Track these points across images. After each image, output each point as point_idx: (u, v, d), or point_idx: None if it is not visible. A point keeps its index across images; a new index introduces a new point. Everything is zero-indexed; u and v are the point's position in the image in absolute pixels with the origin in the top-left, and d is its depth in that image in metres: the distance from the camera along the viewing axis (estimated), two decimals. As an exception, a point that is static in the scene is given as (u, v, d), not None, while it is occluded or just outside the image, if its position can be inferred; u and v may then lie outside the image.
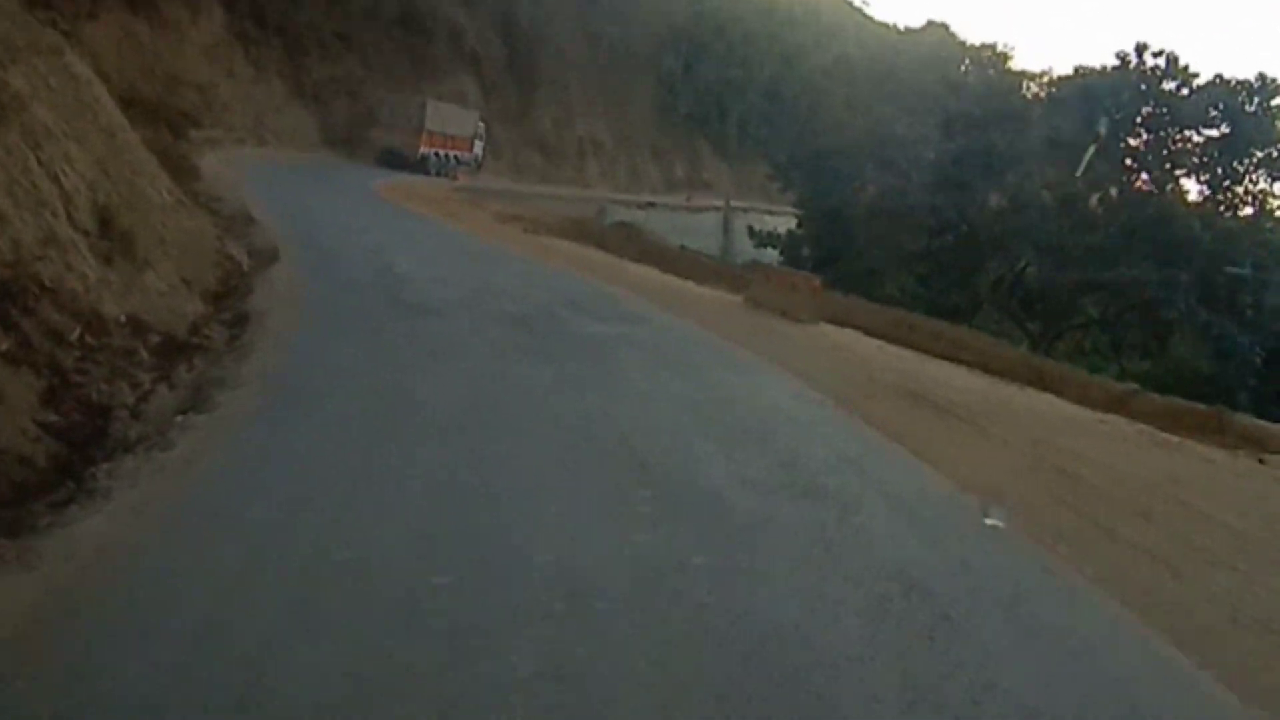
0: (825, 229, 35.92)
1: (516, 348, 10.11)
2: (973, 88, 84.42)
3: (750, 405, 9.07)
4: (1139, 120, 28.96)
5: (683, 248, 26.87)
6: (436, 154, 38.05)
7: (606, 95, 58.17)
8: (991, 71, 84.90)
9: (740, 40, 71.76)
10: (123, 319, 9.67)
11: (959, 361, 14.22)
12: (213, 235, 14.63)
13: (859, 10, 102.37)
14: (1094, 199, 29.60)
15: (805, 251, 36.26)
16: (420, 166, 36.27)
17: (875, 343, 13.94)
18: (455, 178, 38.02)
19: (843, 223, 34.86)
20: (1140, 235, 26.61)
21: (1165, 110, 28.02)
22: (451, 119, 39.17)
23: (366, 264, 14.23)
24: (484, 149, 42.79)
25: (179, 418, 7.41)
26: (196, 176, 20.89)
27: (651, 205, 44.27)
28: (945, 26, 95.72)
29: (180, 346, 9.69)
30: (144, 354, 9.25)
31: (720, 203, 56.82)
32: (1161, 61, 27.64)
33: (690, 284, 18.23)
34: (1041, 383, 14.14)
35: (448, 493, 5.94)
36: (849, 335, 14.17)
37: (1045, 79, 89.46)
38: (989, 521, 6.67)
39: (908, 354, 13.33)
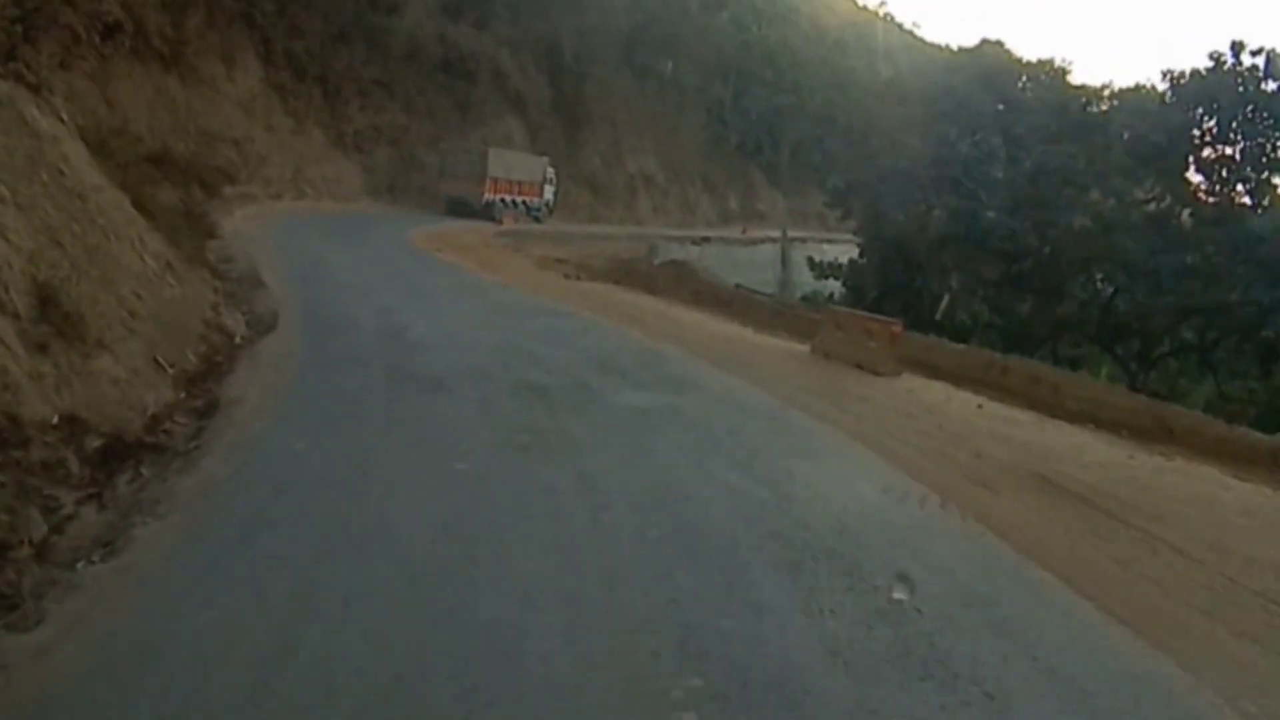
0: (888, 256, 33.51)
1: (530, 434, 8.03)
2: (1031, 103, 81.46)
3: (829, 509, 6.82)
4: (1235, 125, 26.10)
5: (738, 286, 24.68)
6: (503, 200, 38.08)
7: (655, 129, 56.53)
8: (1050, 87, 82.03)
9: (789, 66, 69.76)
10: (54, 420, 7.86)
11: (1066, 414, 11.79)
12: (207, 304, 12.90)
13: (910, 33, 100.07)
14: (1186, 214, 26.80)
15: (868, 280, 33.99)
16: (486, 213, 36.34)
17: (972, 399, 11.53)
18: (501, 222, 36.43)
19: (907, 249, 32.47)
20: (1243, 253, 23.80)
21: (1266, 113, 25.14)
22: (517, 165, 39.32)
23: (375, 328, 12.35)
24: (554, 193, 42.58)
25: (81, 565, 5.60)
26: (212, 235, 19.43)
27: (706, 240, 42.23)
28: (1000, 44, 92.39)
29: (128, 449, 7.82)
30: (74, 465, 7.40)
31: (777, 233, 54.49)
32: (1260, 61, 24.80)
33: (749, 332, 16.04)
34: (1170, 437, 11.63)
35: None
36: (938, 391, 11.82)
37: (1106, 92, 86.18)
38: None
39: (1014, 414, 10.92)
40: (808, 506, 6.83)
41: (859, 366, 12.39)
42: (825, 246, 52.52)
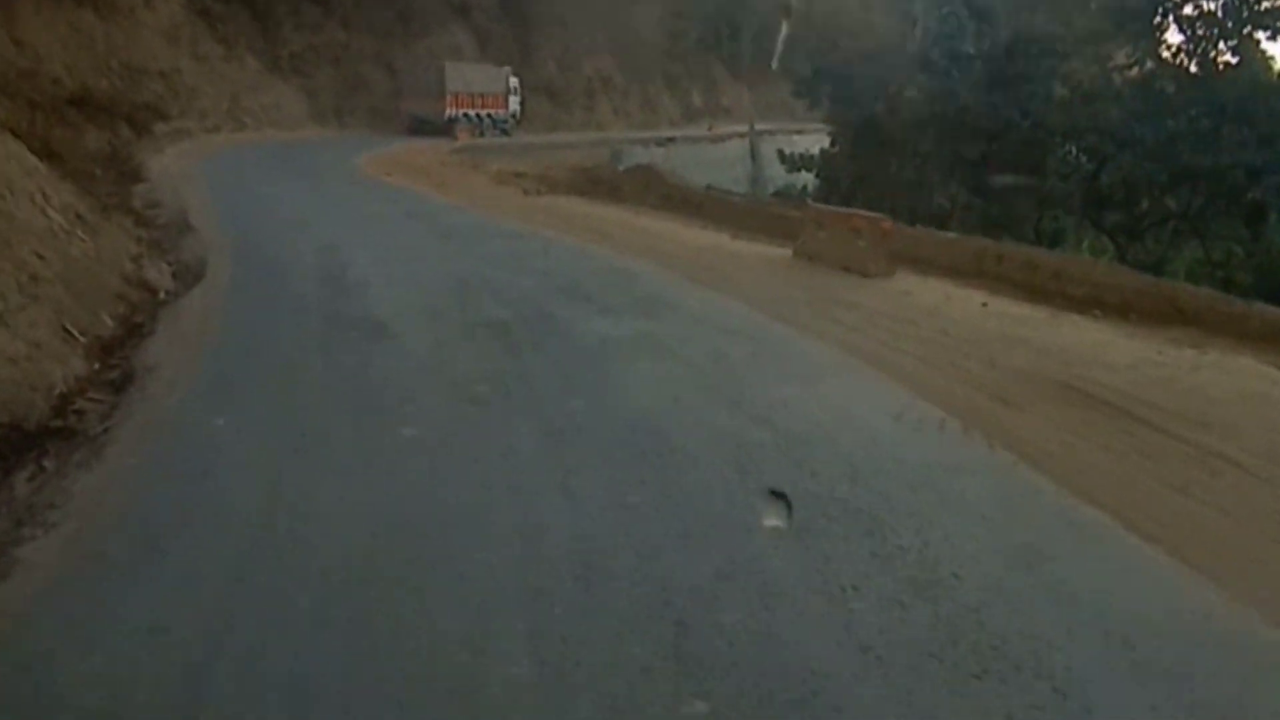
0: (861, 144, 32.15)
1: (488, 382, 7.01)
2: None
3: (836, 448, 5.86)
4: (1214, -22, 24.66)
5: (709, 188, 23.42)
6: (465, 115, 37.36)
7: (611, 28, 53.98)
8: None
9: (747, -48, 66.84)
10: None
11: (1071, 302, 10.85)
12: (127, 257, 11.64)
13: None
14: (1168, 77, 25.54)
15: (840, 170, 32.75)
16: (449, 130, 35.67)
17: (974, 297, 10.51)
18: (456, 138, 34.72)
19: (880, 134, 31.20)
20: (1230, 114, 22.64)
21: (1247, -39, 23.72)
22: (477, 78, 38.48)
23: (314, 268, 11.17)
24: (520, 103, 41.67)
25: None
26: (138, 179, 17.98)
27: (671, 140, 40.59)
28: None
29: (30, 439, 6.77)
30: (-39, 466, 6.38)
31: (744, 128, 52.70)
32: (1241, -99, 23.23)
33: (725, 238, 14.90)
34: (1182, 318, 10.73)
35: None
36: (935, 290, 10.79)
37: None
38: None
39: (1022, 310, 9.93)
40: (811, 447, 5.87)
41: (846, 269, 11.34)
42: (795, 138, 50.80)
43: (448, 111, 36.26)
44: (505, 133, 39.53)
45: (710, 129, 52.24)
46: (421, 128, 35.27)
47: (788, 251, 12.97)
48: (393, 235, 13.39)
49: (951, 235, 15.56)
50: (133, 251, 12.09)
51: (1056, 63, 26.35)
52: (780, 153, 37.94)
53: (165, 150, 23.14)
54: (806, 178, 36.76)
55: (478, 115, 38.33)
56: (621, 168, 31.84)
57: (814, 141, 50.71)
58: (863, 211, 12.26)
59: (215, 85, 31.24)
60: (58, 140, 22.15)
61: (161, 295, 10.54)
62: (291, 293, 10.00)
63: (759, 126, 51.39)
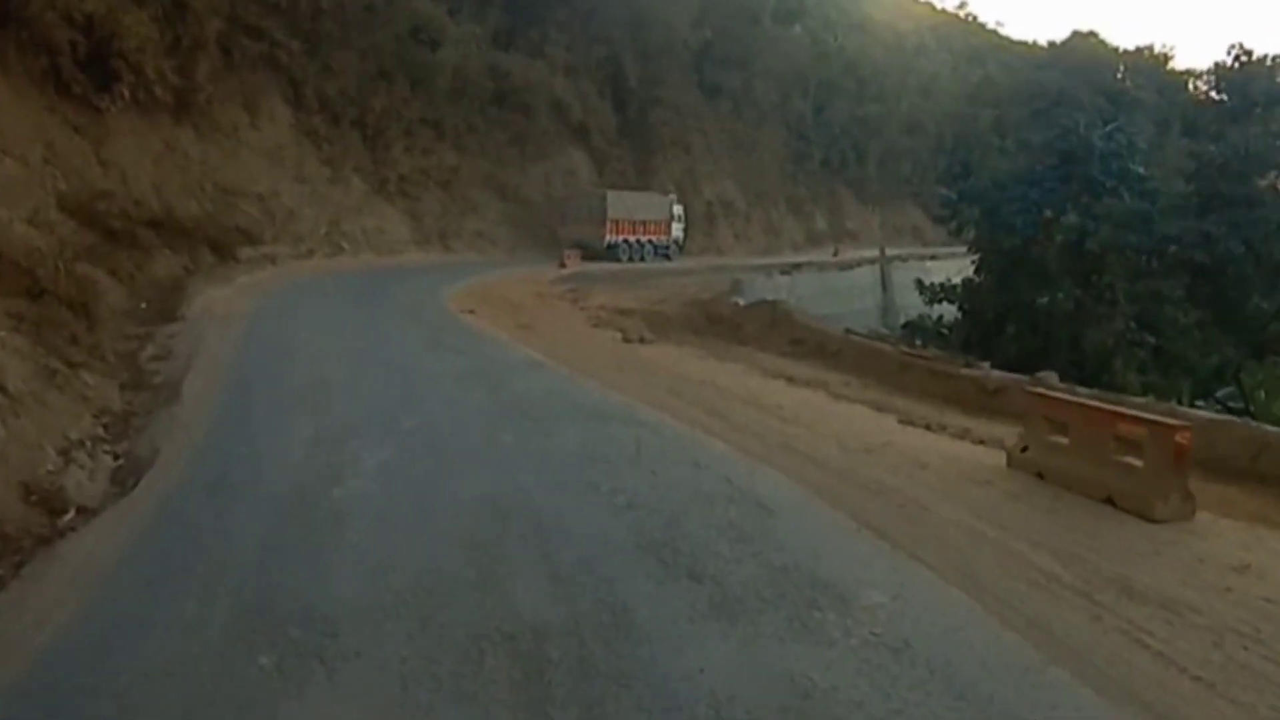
0: (1009, 272, 27.68)
1: None
2: (1134, 93, 73.44)
3: None
4: None
5: (849, 332, 19.23)
6: (626, 241, 37.70)
7: (733, 150, 51.32)
8: (1152, 74, 74.33)
9: (871, 75, 63.89)
10: None
11: None
12: (52, 449, 8.13)
13: (994, 32, 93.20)
14: None
15: (985, 301, 28.26)
16: (610, 255, 36.16)
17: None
18: (563, 265, 31.67)
19: (1032, 262, 26.81)
20: None
21: None
22: (639, 205, 38.74)
23: (292, 480, 7.39)
24: (684, 230, 41.80)
25: None
26: (172, 318, 14.99)
27: (796, 268, 36.70)
28: (1094, 34, 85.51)
29: None
30: None
31: (872, 253, 48.64)
32: None
33: (889, 419, 10.62)
34: None
35: None
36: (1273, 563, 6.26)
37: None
38: None
39: None
40: None
41: (1110, 501, 6.95)
42: (929, 264, 46.44)
43: (608, 238, 36.42)
44: (667, 258, 39.45)
45: (836, 254, 48.26)
46: (582, 252, 35.16)
47: (992, 454, 8.59)
48: (434, 413, 9.61)
49: (1207, 415, 10.83)
50: (74, 436, 8.66)
51: (1250, 182, 21.58)
52: (919, 282, 33.56)
53: (235, 280, 20.47)
54: (946, 309, 32.32)
55: (639, 241, 38.40)
56: (743, 301, 28.07)
57: (949, 269, 46.14)
58: (1135, 408, 7.69)
59: (316, 208, 29.15)
60: (119, 267, 19.89)
61: (66, 518, 6.92)
62: (233, 533, 6.20)
63: (889, 251, 47.23)
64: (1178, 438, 6.65)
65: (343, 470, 7.52)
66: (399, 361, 12.40)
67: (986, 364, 15.15)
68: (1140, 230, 20.49)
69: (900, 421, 10.38)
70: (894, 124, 65.89)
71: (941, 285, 33.29)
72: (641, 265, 36.10)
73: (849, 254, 48.51)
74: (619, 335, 16.31)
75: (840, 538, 6.38)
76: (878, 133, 63.96)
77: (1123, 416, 7.19)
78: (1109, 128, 26.94)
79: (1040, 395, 8.18)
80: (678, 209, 40.96)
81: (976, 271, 30.81)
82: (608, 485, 7.27)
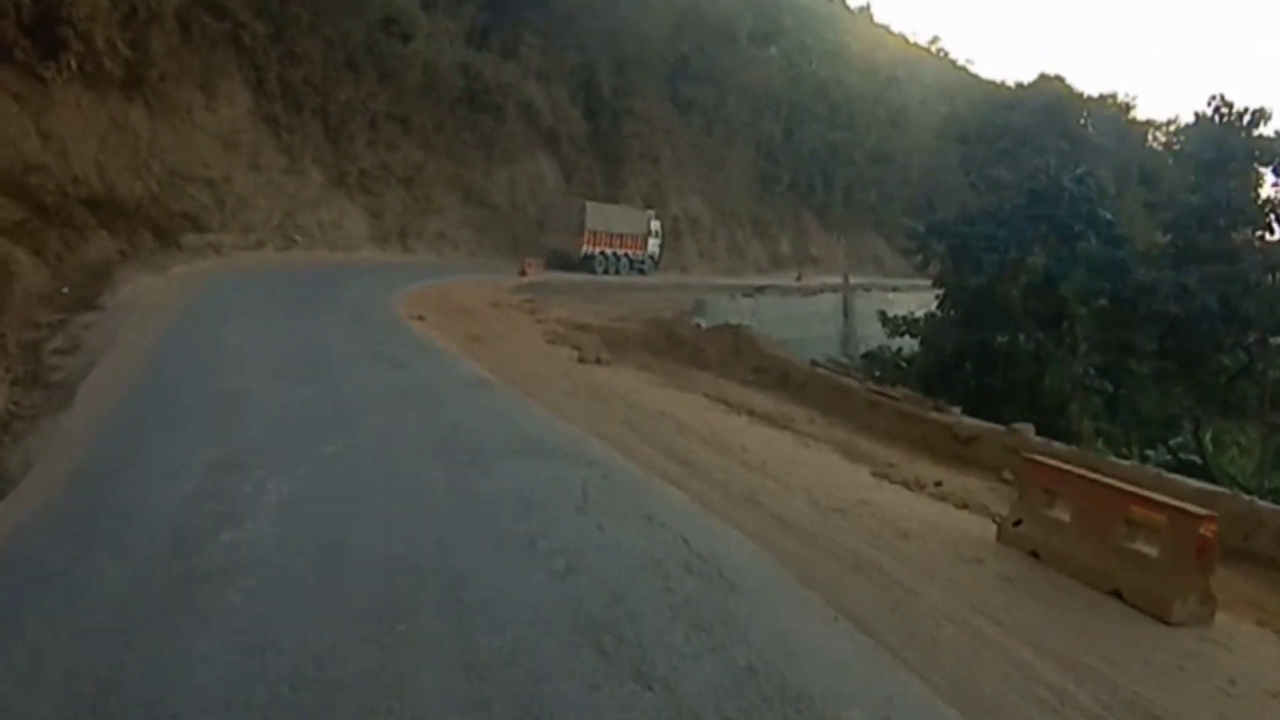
0: (974, 310, 27.09)
1: None
2: (1094, 139, 73.95)
3: None
4: None
5: (814, 364, 18.37)
6: (603, 253, 37.25)
7: (702, 167, 50.49)
8: (1114, 121, 75.07)
9: (843, 102, 63.57)
10: None
11: None
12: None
13: (964, 69, 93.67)
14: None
15: (946, 336, 27.69)
16: (586, 266, 35.81)
17: None
18: (523, 273, 30.52)
19: (997, 300, 26.29)
20: None
21: None
22: (617, 218, 38.43)
23: (182, 514, 6.22)
24: (660, 246, 41.43)
25: None
26: (91, 306, 13.65)
27: (760, 290, 35.91)
28: (1060, 79, 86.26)
29: None
30: None
31: (835, 280, 48.14)
32: None
33: (862, 471, 9.66)
34: None
35: None
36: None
37: (1172, 128, 78.68)
38: None
39: None
40: None
41: (1116, 593, 6.04)
42: (891, 295, 45.95)
43: (585, 248, 36.02)
44: (642, 272, 39.21)
45: (800, 279, 47.59)
46: (558, 261, 34.91)
47: (978, 522, 7.66)
48: (359, 438, 8.44)
49: (1193, 483, 10.02)
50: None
51: (1224, 235, 21.16)
52: (883, 314, 32.95)
53: (172, 268, 19.09)
54: (906, 342, 31.77)
55: (615, 255, 37.92)
56: (704, 323, 27.16)
57: (910, 301, 45.72)
58: (1148, 489, 6.75)
59: (270, 198, 27.70)
60: (46, 247, 18.43)
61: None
62: (84, 588, 5.03)
63: (853, 279, 46.68)
64: (1202, 529, 5.74)
65: (238, 507, 6.36)
66: (332, 373, 11.19)
67: (957, 409, 14.32)
68: (1113, 278, 19.88)
69: (874, 474, 9.43)
70: (862, 152, 65.64)
71: (904, 318, 32.69)
72: (603, 279, 35.04)
73: (812, 280, 47.89)
74: (575, 353, 15.23)
75: (815, 628, 5.37)
76: (846, 160, 63.62)
77: (1137, 498, 6.27)
78: (1079, 171, 26.50)
79: (1037, 463, 7.25)
80: (655, 224, 40.71)
81: (939, 306, 30.24)
82: (546, 543, 6.20)
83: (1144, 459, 20.09)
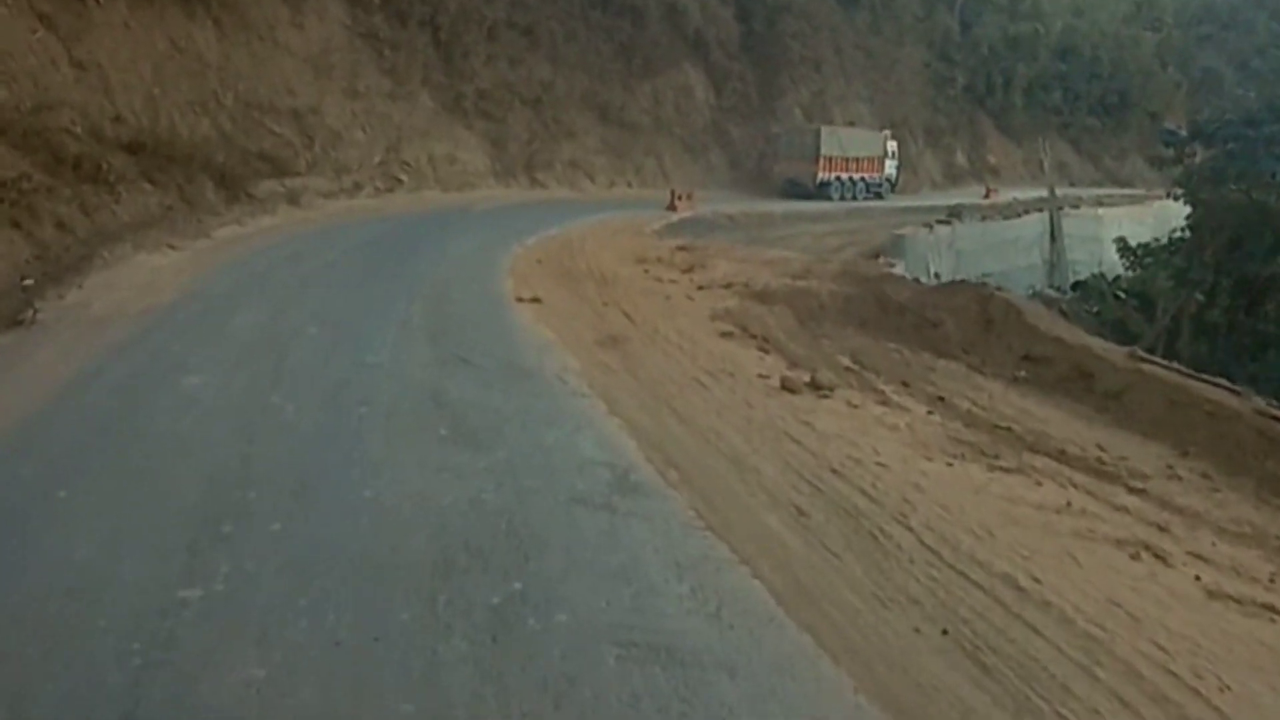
0: (1248, 233, 19.62)
1: None
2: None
3: None
4: None
5: (1134, 355, 11.50)
6: (838, 178, 34.19)
7: (869, 71, 42.33)
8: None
9: (1026, -13, 53.32)
10: None
11: None
12: None
13: (1158, -55, 79.09)
14: None
15: (1197, 265, 20.62)
16: (822, 193, 33.00)
17: None
18: (672, 207, 24.27)
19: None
20: None
21: None
22: (852, 142, 35.20)
23: None
24: (898, 167, 38.21)
25: None
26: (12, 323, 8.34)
27: (955, 215, 28.44)
28: (1270, -52, 71.48)
29: None
30: None
31: (1027, 195, 39.77)
32: None
33: None
34: None
35: None
36: None
37: None
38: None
39: None
40: None
41: None
42: (1100, 212, 37.33)
43: (820, 175, 33.29)
44: (879, 196, 35.71)
45: (988, 196, 39.41)
46: (792, 190, 32.72)
47: None
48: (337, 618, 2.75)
49: None
50: None
51: None
52: (1121, 243, 25.20)
53: (217, 232, 13.86)
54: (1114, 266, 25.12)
55: (851, 179, 34.77)
56: (907, 267, 20.34)
57: (1126, 215, 37.66)
58: None
59: (370, 130, 22.31)
60: (41, 208, 13.54)
61: None
62: None
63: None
64: None
65: None
66: (338, 483, 5.33)
67: None
68: None
69: None
70: (1046, 46, 55.15)
71: (1149, 247, 25.07)
72: (764, 208, 28.31)
73: (999, 196, 39.67)
74: (764, 366, 9.01)
75: None
76: (1029, 55, 53.44)
77: None
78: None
79: None
80: (891, 145, 37.10)
81: (1191, 229, 22.46)
82: None
83: None
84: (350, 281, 11.19)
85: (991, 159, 51.84)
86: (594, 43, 29.62)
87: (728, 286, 13.87)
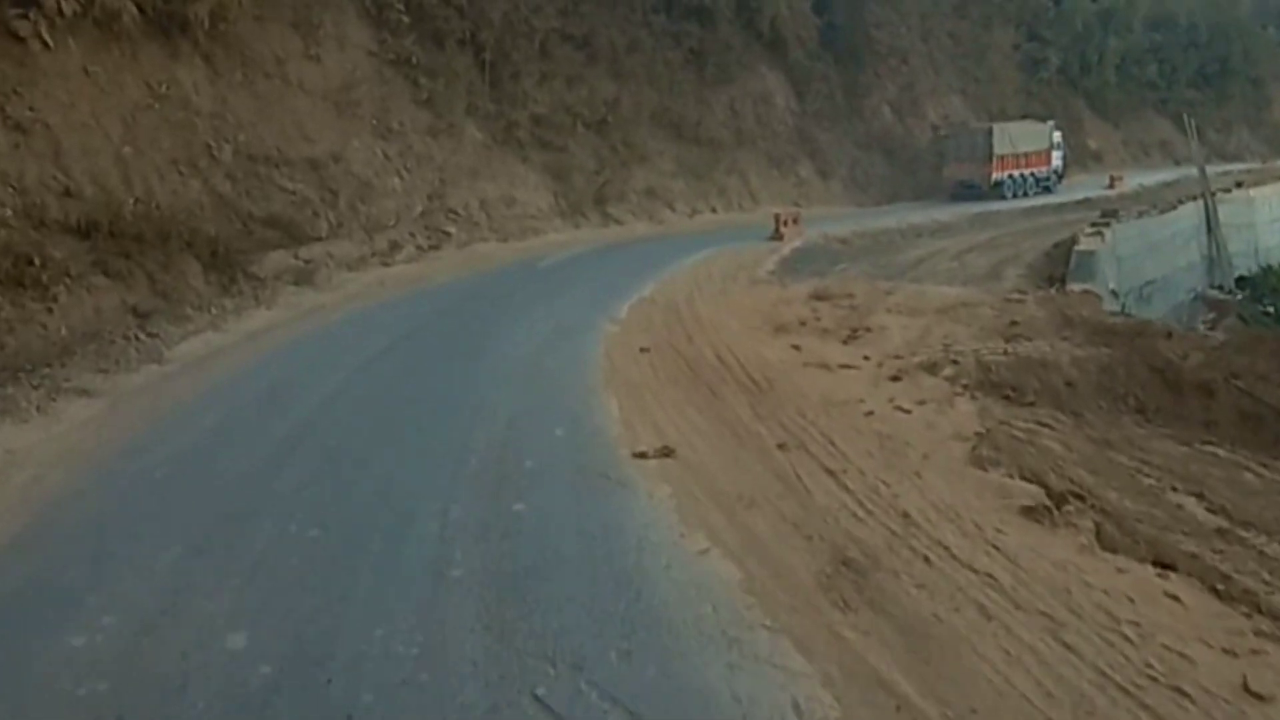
0: None
1: None
2: None
3: None
4: None
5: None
6: (1011, 176, 32.15)
7: (960, 59, 36.73)
8: None
9: (1118, -43, 46.91)
10: None
11: None
12: None
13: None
14: None
15: None
16: (995, 193, 30.96)
17: None
18: (781, 235, 19.20)
19: None
20: None
21: None
22: (1021, 137, 32.98)
23: None
24: (1063, 159, 35.32)
25: None
26: None
27: (1113, 213, 22.77)
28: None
29: None
30: None
31: (1151, 179, 34.23)
32: None
33: None
34: None
35: None
36: None
37: None
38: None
39: None
40: None
41: None
42: (1252, 193, 31.15)
43: (994, 175, 31.25)
44: (1048, 189, 33.12)
45: (1112, 185, 33.64)
46: (965, 193, 30.64)
47: None
48: None
49: None
50: None
51: None
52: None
53: (177, 346, 9.32)
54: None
55: (1022, 176, 32.56)
56: (1095, 286, 15.00)
57: (1275, 195, 31.43)
58: None
59: (407, 175, 17.73)
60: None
61: None
62: None
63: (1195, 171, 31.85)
64: None
65: None
66: None
67: None
68: None
69: None
70: (1138, 18, 48.65)
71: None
72: (873, 224, 23.07)
73: (1124, 186, 33.85)
74: (1151, 598, 3.93)
75: None
76: (1123, 28, 47.05)
77: None
78: None
79: None
80: (1056, 136, 34.35)
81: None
82: None
83: None
84: (347, 453, 6.37)
85: (1091, 143, 45.58)
86: (660, 51, 24.75)
87: (930, 369, 8.78)
